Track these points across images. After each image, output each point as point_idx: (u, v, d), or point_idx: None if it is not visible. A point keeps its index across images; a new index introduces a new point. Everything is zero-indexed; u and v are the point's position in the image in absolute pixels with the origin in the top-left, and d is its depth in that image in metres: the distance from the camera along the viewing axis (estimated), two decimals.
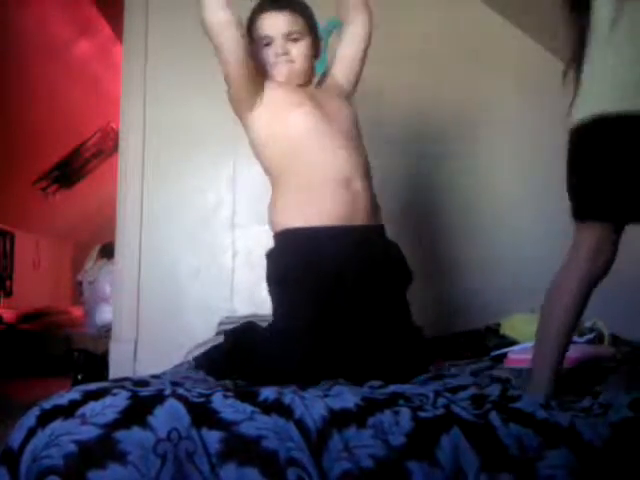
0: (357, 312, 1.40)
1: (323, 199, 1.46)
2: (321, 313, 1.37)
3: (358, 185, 1.49)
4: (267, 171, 1.61)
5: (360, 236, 1.47)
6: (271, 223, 1.55)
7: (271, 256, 1.51)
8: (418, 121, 2.56)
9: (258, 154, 1.60)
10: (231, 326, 1.73)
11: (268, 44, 1.58)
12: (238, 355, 1.45)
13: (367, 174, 1.54)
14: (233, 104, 1.58)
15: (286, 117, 1.53)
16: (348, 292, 1.40)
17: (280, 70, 1.58)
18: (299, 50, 1.59)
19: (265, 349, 1.40)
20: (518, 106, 2.70)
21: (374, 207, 1.54)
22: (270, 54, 1.58)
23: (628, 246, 2.59)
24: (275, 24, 1.57)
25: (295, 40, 1.58)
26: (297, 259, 1.43)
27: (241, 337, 1.54)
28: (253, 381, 1.28)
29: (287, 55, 1.58)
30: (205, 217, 2.75)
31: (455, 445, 0.89)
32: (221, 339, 1.63)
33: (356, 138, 1.58)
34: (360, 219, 1.48)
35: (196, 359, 1.58)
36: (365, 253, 1.46)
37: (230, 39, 1.46)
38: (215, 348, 1.58)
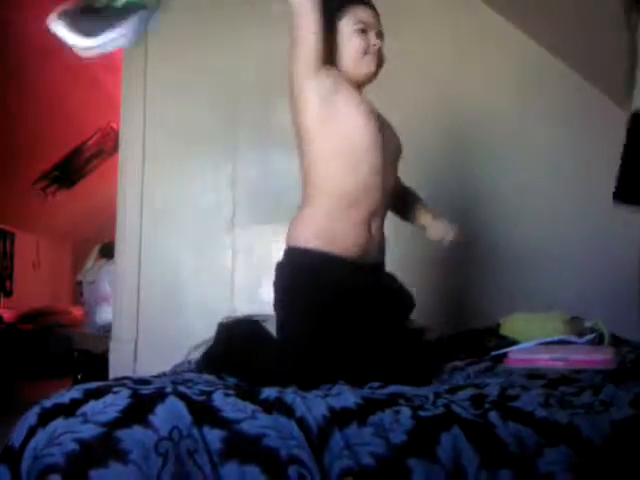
0: (364, 337, 1.39)
1: (346, 233, 1.45)
2: (329, 326, 1.36)
3: (376, 227, 1.49)
4: (304, 179, 1.51)
5: (370, 270, 1.48)
6: (289, 235, 1.49)
7: (283, 269, 1.47)
8: (418, 121, 2.56)
9: (306, 146, 1.49)
10: None
11: (364, 31, 1.53)
12: (235, 355, 1.45)
13: (385, 214, 1.55)
14: (295, 65, 1.45)
15: (350, 118, 1.46)
16: (356, 318, 1.39)
17: (371, 61, 1.54)
18: (381, 53, 1.57)
19: (269, 355, 1.40)
20: (518, 106, 2.70)
21: (383, 244, 1.55)
22: (364, 41, 1.52)
23: (628, 246, 2.60)
24: (372, 19, 1.55)
25: (382, 40, 1.58)
26: (304, 277, 1.42)
27: (237, 333, 1.54)
28: (251, 384, 1.28)
29: (380, 51, 1.55)
30: (205, 217, 2.75)
31: (455, 443, 0.90)
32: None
33: (393, 175, 1.57)
34: (372, 258, 1.49)
35: (197, 362, 1.58)
36: (374, 284, 1.47)
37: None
38: (211, 346, 1.57)
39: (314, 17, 1.41)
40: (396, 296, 1.54)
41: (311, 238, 1.44)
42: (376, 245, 1.51)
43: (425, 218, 1.71)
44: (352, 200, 1.45)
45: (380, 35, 1.57)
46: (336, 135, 1.45)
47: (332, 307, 1.38)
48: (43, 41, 4.65)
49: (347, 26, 1.54)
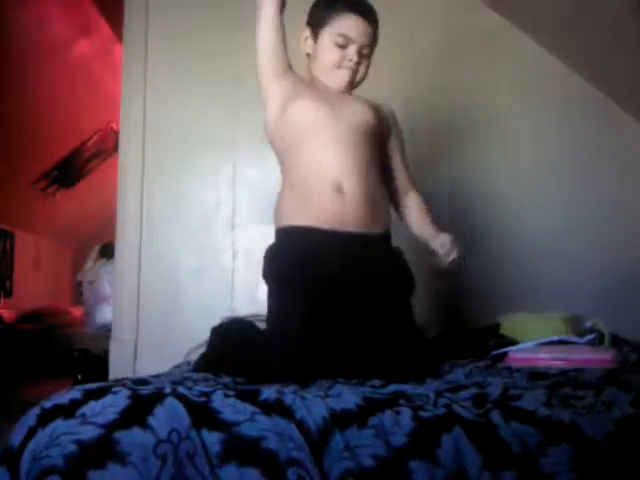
0: (350, 316, 1.37)
1: (316, 200, 1.46)
2: (313, 314, 1.35)
3: (353, 192, 1.46)
4: (279, 162, 1.61)
5: (356, 242, 1.46)
6: (274, 217, 1.56)
7: (268, 252, 1.51)
8: (417, 121, 2.56)
9: (270, 140, 1.61)
10: None
11: (344, 46, 1.53)
12: (228, 352, 1.45)
13: (366, 179, 1.50)
14: (258, 70, 1.57)
15: (293, 104, 1.52)
16: (341, 295, 1.38)
17: (343, 76, 1.55)
18: (364, 66, 1.57)
19: (257, 347, 1.40)
20: (518, 106, 2.70)
21: (373, 213, 1.50)
22: (341, 56, 1.54)
23: (628, 247, 2.60)
24: (359, 31, 1.53)
25: (365, 56, 1.57)
26: (292, 258, 1.43)
27: (230, 333, 1.54)
28: (246, 379, 1.28)
29: (357, 66, 1.55)
30: (205, 217, 2.75)
31: (456, 444, 0.89)
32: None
33: (361, 143, 1.53)
34: (353, 224, 1.46)
35: (193, 366, 1.58)
36: (360, 260, 1.44)
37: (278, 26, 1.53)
38: (206, 350, 1.57)
39: (272, 26, 1.50)
40: (393, 276, 1.50)
41: (287, 215, 1.49)
42: (356, 216, 1.46)
43: (430, 231, 1.67)
44: (312, 174, 1.47)
45: (363, 50, 1.55)
46: (288, 127, 1.53)
47: (310, 279, 1.38)
48: (43, 41, 4.68)
49: (327, 35, 1.54)
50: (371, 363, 1.30)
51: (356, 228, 1.46)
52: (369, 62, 1.59)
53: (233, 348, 1.46)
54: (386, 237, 1.55)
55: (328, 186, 1.45)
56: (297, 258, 1.42)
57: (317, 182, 1.46)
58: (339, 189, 1.45)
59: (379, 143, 1.59)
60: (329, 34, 1.54)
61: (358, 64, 1.55)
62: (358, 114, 1.55)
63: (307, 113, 1.51)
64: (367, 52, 1.56)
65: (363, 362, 1.30)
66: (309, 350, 1.30)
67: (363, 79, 1.59)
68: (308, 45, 1.60)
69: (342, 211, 1.45)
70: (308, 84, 1.59)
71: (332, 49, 1.54)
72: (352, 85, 1.58)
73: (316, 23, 1.57)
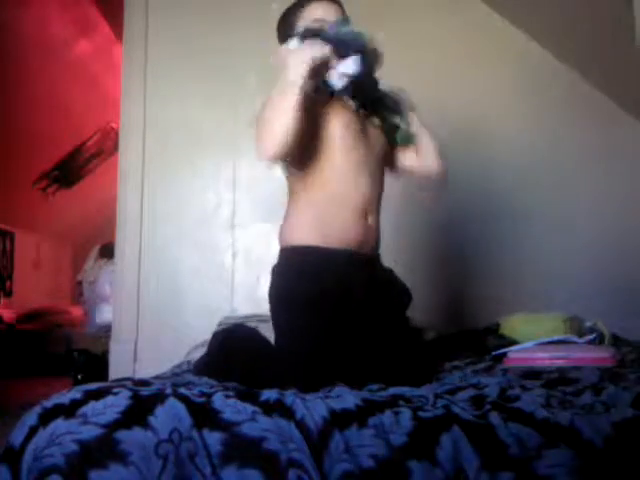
0: (363, 335, 1.38)
1: (342, 224, 1.43)
2: (327, 335, 1.35)
3: (372, 219, 1.49)
4: (289, 179, 1.52)
5: (367, 262, 1.47)
6: (282, 237, 1.48)
7: (277, 272, 1.45)
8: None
9: (293, 170, 1.50)
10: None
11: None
12: (230, 360, 1.44)
13: (379, 202, 1.53)
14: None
15: (327, 120, 1.46)
16: (354, 314, 1.39)
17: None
18: None
19: (267, 362, 1.39)
20: (518, 106, 2.70)
21: (379, 238, 1.54)
22: None
23: (628, 247, 2.60)
24: (329, 12, 1.52)
25: None
26: (306, 277, 1.39)
27: (232, 340, 1.52)
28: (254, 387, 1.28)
29: None
30: (205, 217, 2.75)
31: (455, 444, 0.89)
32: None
33: (381, 171, 1.56)
34: (368, 247, 1.48)
35: (194, 366, 1.58)
36: (371, 278, 1.46)
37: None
38: (206, 354, 1.57)
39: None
40: (393, 290, 1.52)
41: (307, 234, 1.43)
42: (373, 237, 1.50)
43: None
44: (342, 191, 1.45)
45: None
46: (317, 139, 1.45)
47: (331, 303, 1.37)
48: (43, 41, 4.69)
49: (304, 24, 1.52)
50: (380, 374, 1.30)
51: (369, 250, 1.49)
52: None
53: (235, 357, 1.44)
54: (379, 256, 1.58)
55: (357, 210, 1.45)
56: (311, 277, 1.39)
57: (348, 204, 1.45)
58: (365, 215, 1.47)
59: (385, 162, 1.61)
60: (304, 22, 1.53)
61: None
62: (378, 137, 1.57)
63: (342, 127, 1.46)
64: None
65: (373, 375, 1.30)
66: (325, 371, 1.29)
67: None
68: None
69: (364, 236, 1.46)
70: (338, 100, 1.52)
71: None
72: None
73: (289, 29, 1.55)
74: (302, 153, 1.43)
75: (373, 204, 1.50)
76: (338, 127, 1.45)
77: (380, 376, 1.26)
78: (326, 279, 1.38)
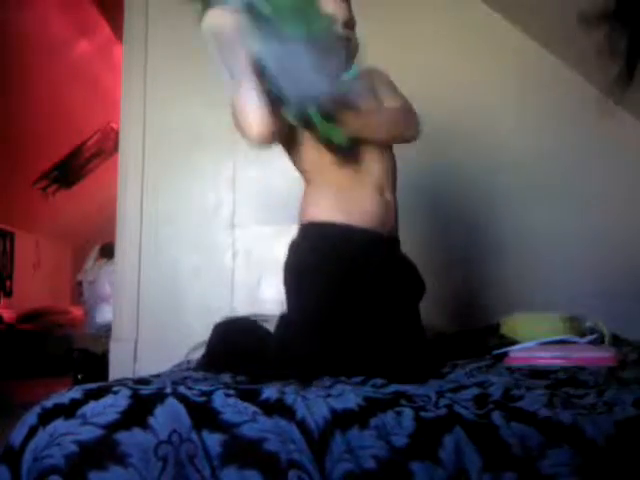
0: (374, 312, 1.37)
1: (361, 200, 1.43)
2: (337, 310, 1.34)
3: (389, 196, 1.49)
4: (302, 167, 1.52)
5: (387, 243, 1.47)
6: (301, 214, 1.47)
7: (296, 246, 1.44)
8: None
9: (294, 150, 1.51)
10: None
11: None
12: (230, 349, 1.44)
13: (395, 184, 1.53)
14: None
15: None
16: (367, 292, 1.38)
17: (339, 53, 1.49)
18: (354, 40, 1.56)
19: (276, 339, 1.38)
20: (518, 106, 2.70)
21: (396, 220, 1.53)
22: None
23: (629, 247, 2.60)
24: (338, 8, 1.52)
25: (352, 29, 1.56)
26: (325, 251, 1.38)
27: (232, 331, 1.53)
28: (248, 376, 1.28)
29: (348, 42, 1.52)
30: (205, 217, 2.75)
31: (457, 445, 0.89)
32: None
33: (391, 149, 1.56)
34: (389, 229, 1.48)
35: (196, 364, 1.58)
36: (389, 259, 1.45)
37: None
38: (208, 347, 1.56)
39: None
40: (410, 277, 1.52)
41: (327, 211, 1.42)
42: (392, 214, 1.49)
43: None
44: (359, 173, 1.45)
45: (348, 24, 1.54)
46: None
47: (344, 279, 1.35)
48: (43, 41, 4.68)
49: None
50: (379, 363, 1.30)
51: (388, 231, 1.48)
52: (356, 38, 1.58)
53: (235, 346, 1.45)
54: (399, 242, 1.57)
55: (373, 188, 1.45)
56: (330, 251, 1.38)
57: (366, 184, 1.45)
58: (382, 193, 1.47)
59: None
60: None
61: (347, 40, 1.54)
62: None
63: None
64: (352, 25, 1.56)
65: (372, 361, 1.29)
66: (331, 343, 1.29)
67: (356, 52, 1.58)
68: None
69: (384, 213, 1.46)
70: None
71: None
72: (350, 60, 1.56)
73: None
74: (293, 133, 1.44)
75: (388, 179, 1.49)
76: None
77: (383, 361, 1.26)
78: (342, 254, 1.37)
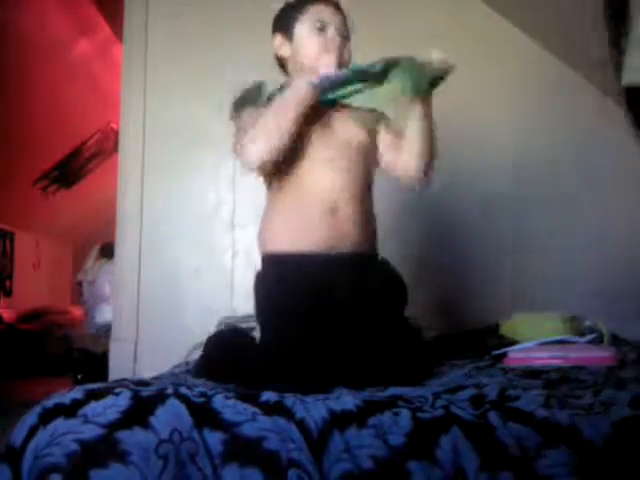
0: (347, 330, 1.36)
1: (310, 222, 1.43)
2: (311, 334, 1.33)
3: (347, 211, 1.45)
4: (268, 182, 1.55)
5: (348, 263, 1.44)
6: (258, 243, 1.50)
7: (258, 282, 1.47)
8: None
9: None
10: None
11: (322, 29, 1.53)
12: (222, 365, 1.43)
13: (359, 198, 1.49)
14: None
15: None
16: (337, 312, 1.37)
17: (330, 58, 1.51)
18: (347, 51, 1.56)
19: (251, 363, 1.38)
20: (518, 106, 2.70)
21: (364, 232, 1.48)
22: (323, 38, 1.52)
23: (629, 247, 2.60)
24: (332, 16, 1.54)
25: (345, 40, 1.56)
26: (282, 286, 1.39)
27: (224, 345, 1.52)
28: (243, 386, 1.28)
29: (340, 50, 1.53)
30: (205, 217, 2.75)
31: (455, 445, 0.89)
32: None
33: (362, 166, 1.52)
34: (346, 244, 1.44)
35: (194, 366, 1.57)
36: (353, 280, 1.42)
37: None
38: (200, 357, 1.56)
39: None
40: (385, 289, 1.48)
41: (275, 239, 1.45)
42: (349, 235, 1.45)
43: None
44: (306, 196, 1.45)
45: (341, 32, 1.55)
46: None
47: (308, 306, 1.36)
48: (43, 41, 4.69)
49: (304, 27, 1.55)
50: (368, 370, 1.29)
51: (349, 248, 1.45)
52: (350, 49, 1.58)
53: (226, 361, 1.44)
54: (375, 253, 1.54)
55: (323, 208, 1.43)
56: (286, 286, 1.38)
57: (311, 204, 1.44)
58: (334, 211, 1.44)
59: (371, 155, 1.57)
60: (305, 25, 1.54)
61: (340, 46, 1.54)
62: (350, 131, 1.54)
63: (306, 144, 1.47)
64: (346, 35, 1.57)
65: (360, 370, 1.29)
66: (306, 362, 1.28)
67: (348, 62, 1.58)
68: (284, 49, 1.60)
69: (336, 232, 1.43)
70: None
71: (313, 36, 1.54)
72: (340, 67, 1.56)
73: (287, 24, 1.57)
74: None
75: (344, 199, 1.45)
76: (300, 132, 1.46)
77: (369, 376, 1.25)
78: (299, 284, 1.37)
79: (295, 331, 1.34)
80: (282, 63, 1.64)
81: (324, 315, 1.36)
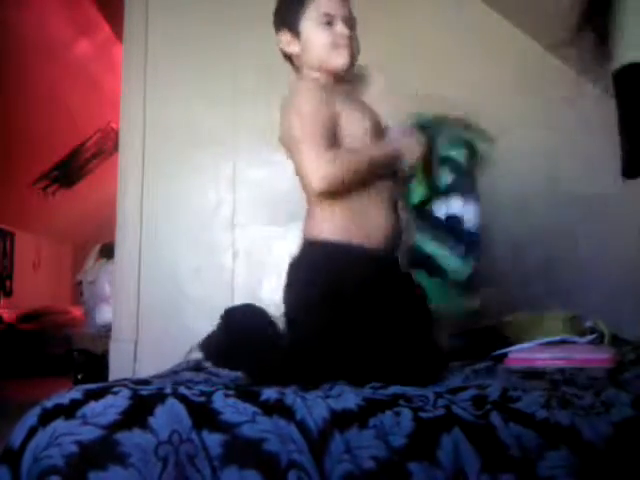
0: (373, 326, 1.33)
1: (372, 219, 1.40)
2: (336, 322, 1.31)
3: (392, 209, 1.45)
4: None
5: (392, 262, 1.44)
6: (310, 228, 1.43)
7: (300, 264, 1.41)
8: None
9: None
10: None
11: (330, 23, 1.48)
12: (236, 345, 1.40)
13: (396, 206, 1.49)
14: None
15: (346, 120, 1.42)
16: (364, 307, 1.34)
17: (342, 54, 1.48)
18: (355, 41, 1.52)
19: (274, 351, 1.36)
20: (518, 107, 2.70)
21: (399, 238, 1.48)
22: (332, 34, 1.47)
23: (629, 247, 2.60)
24: (337, 6, 1.49)
25: (353, 29, 1.51)
26: (331, 272, 1.34)
27: (241, 323, 1.49)
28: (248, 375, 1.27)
29: (350, 40, 1.49)
30: (205, 217, 2.75)
31: (456, 445, 0.89)
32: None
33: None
34: (395, 246, 1.44)
35: (202, 345, 1.53)
36: (402, 279, 1.44)
37: None
38: (213, 331, 1.53)
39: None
40: (414, 293, 1.47)
41: (330, 229, 1.38)
42: (397, 232, 1.45)
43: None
44: (368, 189, 1.41)
45: (348, 22, 1.50)
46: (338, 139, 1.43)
47: (355, 302, 1.32)
48: (43, 41, 4.69)
49: (310, 22, 1.49)
50: (382, 368, 1.28)
51: (394, 248, 1.45)
52: (357, 37, 1.55)
53: (242, 341, 1.40)
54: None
55: (385, 204, 1.42)
56: (333, 275, 1.34)
57: (374, 198, 1.41)
58: (387, 205, 1.43)
59: None
60: (311, 20, 1.49)
61: (350, 38, 1.51)
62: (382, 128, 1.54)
63: (359, 126, 1.43)
64: (352, 24, 1.52)
65: (376, 367, 1.28)
66: (328, 364, 1.27)
67: (358, 52, 1.56)
68: (293, 46, 1.54)
69: (393, 231, 1.43)
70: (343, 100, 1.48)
71: (321, 31, 1.48)
72: (352, 62, 1.55)
73: (292, 19, 1.52)
74: None
75: (390, 194, 1.45)
76: (356, 122, 1.44)
77: (388, 376, 1.24)
78: (351, 275, 1.33)
79: (337, 325, 1.30)
80: (290, 58, 1.58)
81: (371, 312, 1.32)
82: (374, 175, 1.39)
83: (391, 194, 1.45)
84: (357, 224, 1.39)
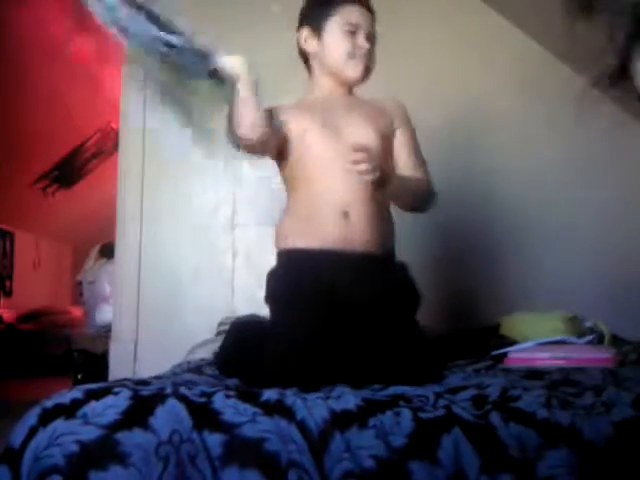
0: (352, 329, 1.36)
1: (321, 223, 1.45)
2: (314, 330, 1.34)
3: (357, 214, 1.46)
4: (283, 181, 1.60)
5: (357, 263, 1.44)
6: (275, 240, 1.54)
7: (270, 275, 1.51)
8: (416, 121, 2.56)
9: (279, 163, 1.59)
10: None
11: (352, 32, 1.52)
12: (243, 355, 1.44)
13: (371, 203, 1.48)
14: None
15: (301, 141, 1.52)
16: (344, 311, 1.37)
17: (357, 65, 1.53)
18: (373, 54, 1.56)
19: (269, 357, 1.38)
20: (518, 107, 2.70)
21: (377, 234, 1.48)
22: (352, 43, 1.51)
23: (629, 247, 2.60)
24: (363, 19, 1.53)
25: (372, 43, 1.55)
26: (294, 279, 1.43)
27: (247, 334, 1.53)
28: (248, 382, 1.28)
29: (368, 53, 1.53)
30: (205, 217, 2.75)
31: (456, 445, 0.89)
32: (220, 340, 1.63)
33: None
34: (357, 245, 1.45)
35: (215, 354, 1.58)
36: (364, 277, 1.43)
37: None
38: (223, 344, 1.58)
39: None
40: (393, 291, 1.48)
41: (288, 236, 1.48)
42: (361, 237, 1.45)
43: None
44: (318, 200, 1.47)
45: (370, 37, 1.54)
46: (296, 161, 1.53)
47: (313, 300, 1.37)
48: (43, 41, 4.68)
49: (335, 27, 1.53)
50: (373, 369, 1.29)
51: (360, 248, 1.46)
52: (374, 54, 1.58)
53: (248, 351, 1.44)
54: (390, 255, 1.55)
55: (334, 212, 1.45)
56: (299, 279, 1.41)
57: (324, 208, 1.46)
58: (345, 215, 1.46)
59: (383, 159, 1.57)
60: (337, 24, 1.52)
61: (368, 52, 1.54)
62: (360, 134, 1.53)
63: (315, 146, 1.50)
64: (373, 41, 1.56)
65: (365, 369, 1.29)
66: (308, 360, 1.29)
67: (373, 68, 1.58)
68: (310, 44, 1.58)
69: (347, 234, 1.45)
70: (301, 107, 1.57)
71: (343, 39, 1.52)
72: (365, 76, 1.57)
73: (318, 19, 1.55)
74: (279, 154, 1.54)
75: (356, 203, 1.46)
76: (299, 128, 1.50)
77: (371, 377, 1.25)
78: (305, 279, 1.40)
79: (299, 325, 1.35)
80: (305, 57, 1.61)
81: (328, 311, 1.37)
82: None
83: (342, 197, 1.46)
84: (305, 229, 1.46)
